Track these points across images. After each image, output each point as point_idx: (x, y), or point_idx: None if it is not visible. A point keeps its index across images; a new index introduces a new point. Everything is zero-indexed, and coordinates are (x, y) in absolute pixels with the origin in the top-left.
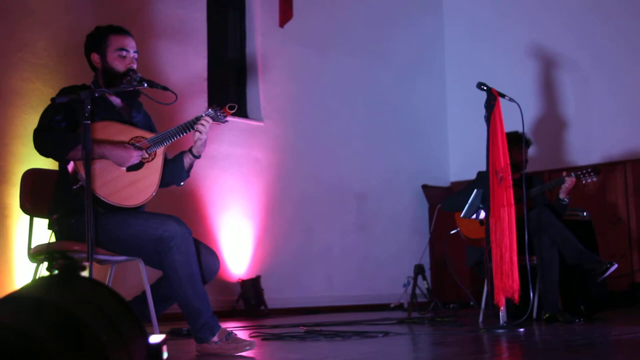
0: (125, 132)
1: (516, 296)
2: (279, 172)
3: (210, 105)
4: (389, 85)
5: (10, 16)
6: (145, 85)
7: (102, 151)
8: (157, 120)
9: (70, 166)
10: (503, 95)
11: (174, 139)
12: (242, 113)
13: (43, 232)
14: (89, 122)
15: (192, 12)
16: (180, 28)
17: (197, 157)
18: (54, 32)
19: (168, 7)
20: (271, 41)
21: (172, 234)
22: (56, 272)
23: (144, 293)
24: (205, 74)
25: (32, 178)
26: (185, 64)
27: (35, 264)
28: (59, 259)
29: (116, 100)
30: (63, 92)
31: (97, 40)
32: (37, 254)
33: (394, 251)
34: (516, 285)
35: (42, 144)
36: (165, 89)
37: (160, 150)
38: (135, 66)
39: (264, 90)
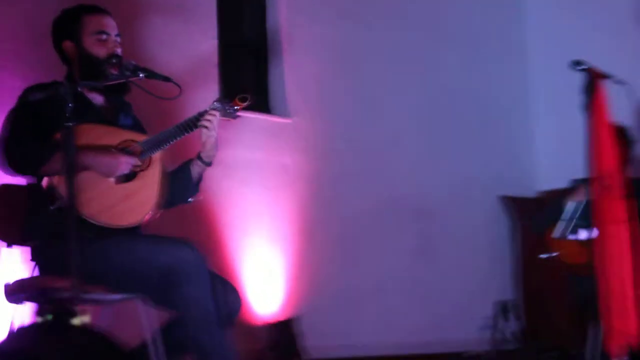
0: (111, 135)
1: (634, 342)
2: (313, 184)
3: (219, 97)
4: (454, 69)
5: None
6: (142, 75)
7: (83, 160)
8: (155, 122)
9: (45, 182)
10: (608, 77)
11: (172, 140)
12: (263, 107)
13: (19, 263)
14: (72, 124)
15: None
16: (181, 1)
17: (208, 164)
18: (25, 9)
19: None
20: (300, 13)
21: (184, 262)
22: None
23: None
24: (215, 58)
25: (3, 196)
26: (189, 46)
27: (12, 305)
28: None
29: (97, 99)
30: (31, 91)
31: (68, 24)
32: (15, 291)
33: (467, 284)
34: (633, 327)
35: (12, 159)
36: (167, 79)
37: (156, 157)
38: (119, 51)
39: (291, 77)
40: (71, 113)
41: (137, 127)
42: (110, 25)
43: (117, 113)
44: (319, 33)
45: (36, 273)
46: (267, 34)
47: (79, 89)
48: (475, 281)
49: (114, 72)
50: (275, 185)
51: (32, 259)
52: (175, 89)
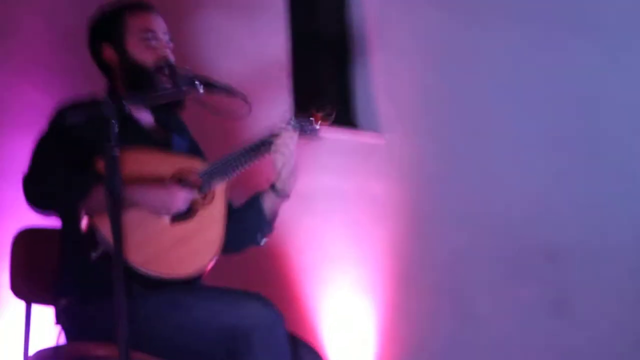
0: (163, 163)
1: None
2: (411, 218)
3: (293, 111)
4: (598, 71)
5: None
6: (201, 88)
7: (131, 195)
8: (217, 145)
9: (84, 223)
10: None
11: (239, 168)
12: (347, 122)
13: (48, 327)
14: (117, 150)
15: None
16: None
17: (284, 196)
18: (52, 7)
19: None
20: (392, 3)
21: (254, 322)
22: None
23: None
24: (285, 61)
25: (27, 243)
26: (254, 47)
27: None
28: None
29: (145, 118)
30: (70, 109)
31: (107, 25)
32: None
33: (620, 344)
34: None
35: (40, 193)
36: (232, 93)
37: (219, 189)
38: (171, 56)
39: (382, 83)
40: (116, 136)
41: (195, 152)
42: (159, 25)
43: (170, 135)
44: (416, 26)
45: (63, 339)
46: (349, 29)
47: (125, 107)
48: (625, 342)
49: (166, 84)
50: (363, 219)
51: (59, 322)
52: (242, 105)
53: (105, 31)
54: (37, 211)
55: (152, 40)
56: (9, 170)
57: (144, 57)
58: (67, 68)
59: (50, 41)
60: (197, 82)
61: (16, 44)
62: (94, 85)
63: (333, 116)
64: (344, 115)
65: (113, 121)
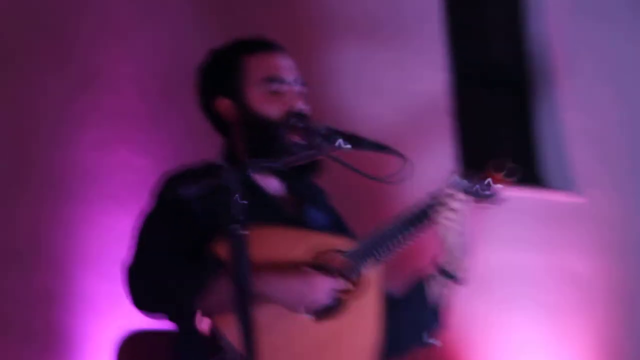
0: (298, 244)
1: None
2: (627, 301)
3: (460, 168)
4: None
5: (67, 26)
6: (345, 145)
7: (261, 287)
8: (363, 216)
9: (205, 324)
10: None
11: (396, 247)
12: (531, 177)
13: None
14: (243, 230)
15: None
16: (388, 18)
17: (456, 280)
18: (155, 52)
19: None
20: (583, 19)
21: None
22: None
23: None
24: (446, 102)
25: (134, 348)
26: (406, 87)
27: None
28: None
29: (272, 185)
30: (172, 181)
31: (222, 71)
32: None
33: None
34: None
35: (147, 289)
36: (384, 149)
37: (372, 275)
38: (303, 106)
39: (576, 125)
40: (242, 211)
41: (338, 227)
42: (286, 67)
43: (304, 206)
44: (620, 46)
45: None
46: (527, 57)
47: (249, 172)
48: None
49: (298, 140)
50: (560, 306)
51: None
52: (398, 162)
53: (220, 80)
54: (143, 312)
55: (278, 88)
56: (102, 255)
57: (270, 109)
58: (169, 123)
59: (146, 91)
60: (338, 138)
61: (106, 95)
62: (201, 143)
63: (515, 174)
64: (527, 169)
65: (236, 192)
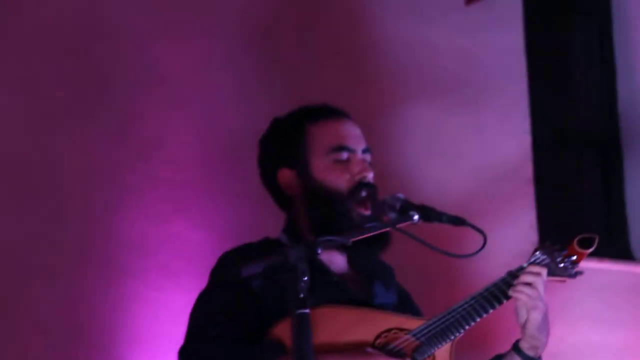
0: (364, 324)
1: None
2: None
3: (542, 240)
4: None
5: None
6: (416, 218)
7: None
8: (434, 292)
9: None
10: None
11: (467, 324)
12: (618, 249)
13: None
14: (307, 311)
15: (490, 35)
16: (464, 77)
17: (534, 359)
18: (212, 122)
19: (420, 29)
20: None
21: None
22: None
23: None
24: (529, 168)
25: None
26: (483, 152)
27: None
28: None
29: (337, 261)
30: (232, 261)
31: (285, 141)
32: None
33: None
34: None
35: None
36: (460, 223)
37: (443, 354)
38: (370, 175)
39: None
40: (307, 290)
41: (406, 305)
42: (353, 135)
43: (370, 283)
44: None
45: None
46: (615, 118)
47: (319, 251)
48: None
49: (365, 212)
50: None
51: None
52: (467, 235)
53: (283, 151)
54: None
55: (345, 157)
56: (156, 333)
57: (336, 180)
58: (227, 195)
59: (206, 162)
60: (413, 212)
61: (165, 165)
62: (262, 216)
63: (594, 246)
64: (614, 241)
65: (302, 270)
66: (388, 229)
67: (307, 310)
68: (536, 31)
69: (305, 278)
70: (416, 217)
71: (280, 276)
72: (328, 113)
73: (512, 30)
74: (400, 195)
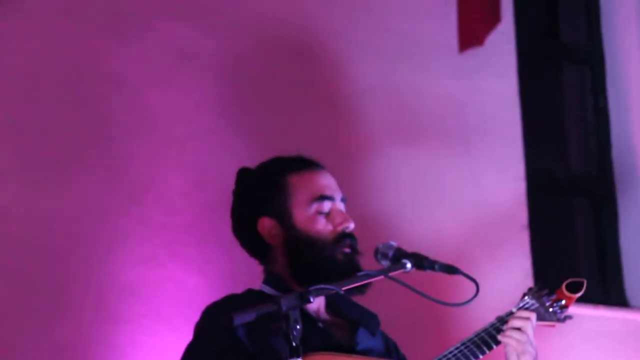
0: None
1: None
2: None
3: (534, 285)
4: None
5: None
6: (409, 266)
7: None
8: (419, 337)
9: None
10: None
11: None
12: (610, 295)
13: None
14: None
15: (484, 81)
16: (454, 121)
17: None
18: (205, 166)
19: (416, 75)
20: None
21: None
22: None
23: None
24: (524, 214)
25: None
26: (475, 194)
27: None
28: None
29: (320, 308)
30: (217, 313)
31: (268, 191)
32: None
33: None
34: None
35: None
36: (452, 271)
37: None
38: (352, 226)
39: None
40: (298, 340)
41: (390, 352)
42: (331, 185)
43: (354, 330)
44: None
45: None
46: (609, 164)
47: (311, 298)
48: None
49: (348, 262)
50: None
51: None
52: (463, 281)
53: (264, 200)
54: None
55: (327, 210)
56: None
57: (321, 232)
58: (220, 239)
59: (197, 206)
60: (405, 260)
61: (156, 209)
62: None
63: (583, 290)
64: (609, 287)
65: (295, 319)
66: (381, 277)
67: (300, 359)
68: (530, 78)
69: (298, 327)
70: (409, 265)
71: (269, 325)
72: (306, 164)
73: (506, 77)
74: (393, 244)
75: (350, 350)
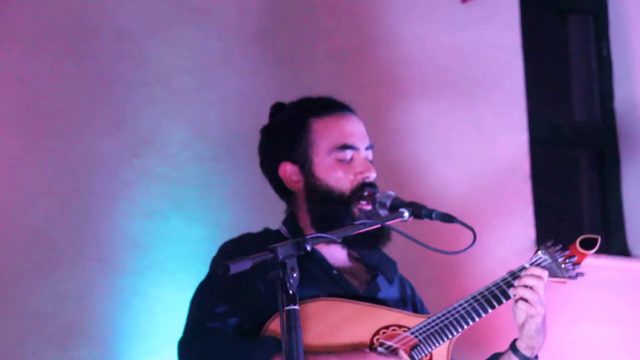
0: (361, 320)
1: None
2: None
3: (539, 237)
4: None
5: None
6: (407, 215)
7: None
8: (434, 289)
9: None
10: None
11: (465, 323)
12: (615, 246)
13: None
14: (296, 307)
15: (486, 32)
16: (461, 74)
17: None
18: (207, 119)
19: (423, 27)
20: None
21: None
22: None
23: None
24: (526, 165)
25: None
26: (481, 148)
27: None
28: None
29: (338, 255)
30: (232, 251)
31: (291, 135)
32: None
33: None
34: None
35: None
36: (450, 220)
37: (441, 353)
38: (373, 176)
39: None
40: (294, 285)
41: (406, 300)
42: (357, 133)
43: (371, 278)
44: None
45: None
46: (611, 117)
47: (308, 247)
48: None
49: (366, 207)
50: None
51: None
52: (465, 232)
53: (286, 145)
54: None
55: (349, 157)
56: (151, 330)
57: (340, 180)
58: (222, 190)
59: (200, 158)
60: (402, 209)
61: (158, 161)
62: (258, 211)
63: (597, 247)
64: (611, 238)
65: (291, 267)
66: (378, 225)
67: (297, 307)
68: (533, 29)
69: (295, 275)
70: (406, 214)
71: (270, 273)
72: (333, 108)
73: (509, 28)
74: (391, 193)
75: (366, 297)
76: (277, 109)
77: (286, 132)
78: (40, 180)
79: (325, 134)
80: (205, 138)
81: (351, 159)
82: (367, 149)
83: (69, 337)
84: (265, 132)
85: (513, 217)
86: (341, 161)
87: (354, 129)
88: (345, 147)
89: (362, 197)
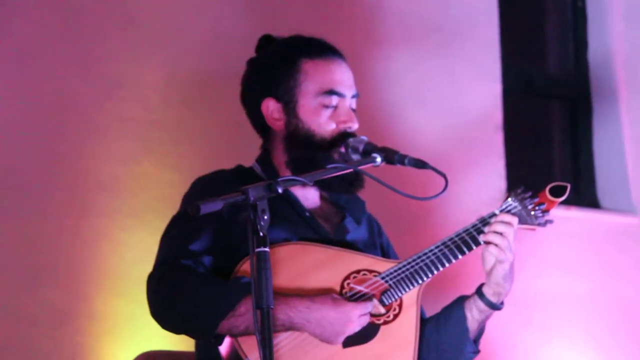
0: (331, 263)
1: None
2: None
3: (510, 187)
4: None
5: (90, 28)
6: (379, 160)
7: (286, 315)
8: (405, 233)
9: (225, 348)
10: None
11: (435, 269)
12: (584, 198)
13: None
14: (266, 249)
15: None
16: (435, 23)
17: (497, 307)
18: (180, 62)
19: None
20: None
21: None
22: None
23: None
24: (499, 115)
25: None
26: (455, 98)
27: None
28: None
29: (310, 197)
30: (204, 188)
31: (279, 72)
32: None
33: None
34: None
35: (167, 307)
36: (421, 165)
37: (410, 299)
38: (355, 126)
39: (636, 141)
40: (264, 227)
41: (374, 240)
42: (346, 80)
43: (341, 221)
44: None
45: None
46: (586, 69)
47: (279, 189)
48: None
49: (337, 156)
50: (611, 334)
51: None
52: (436, 179)
53: (272, 82)
54: (162, 325)
55: (334, 103)
56: (121, 273)
57: (322, 127)
58: (194, 135)
59: (172, 101)
60: (374, 154)
61: (131, 105)
62: (230, 156)
63: (566, 195)
64: (581, 190)
65: (262, 209)
66: (350, 170)
67: (267, 249)
68: None
69: (266, 217)
70: (379, 159)
71: (241, 214)
72: (326, 51)
73: None
74: (364, 138)
75: (335, 239)
76: (266, 42)
77: (274, 68)
78: (8, 122)
79: (314, 77)
80: (178, 81)
81: (336, 106)
82: (352, 97)
83: (38, 279)
84: (253, 64)
85: (484, 167)
86: (326, 106)
87: (343, 75)
88: (332, 92)
89: (340, 145)
